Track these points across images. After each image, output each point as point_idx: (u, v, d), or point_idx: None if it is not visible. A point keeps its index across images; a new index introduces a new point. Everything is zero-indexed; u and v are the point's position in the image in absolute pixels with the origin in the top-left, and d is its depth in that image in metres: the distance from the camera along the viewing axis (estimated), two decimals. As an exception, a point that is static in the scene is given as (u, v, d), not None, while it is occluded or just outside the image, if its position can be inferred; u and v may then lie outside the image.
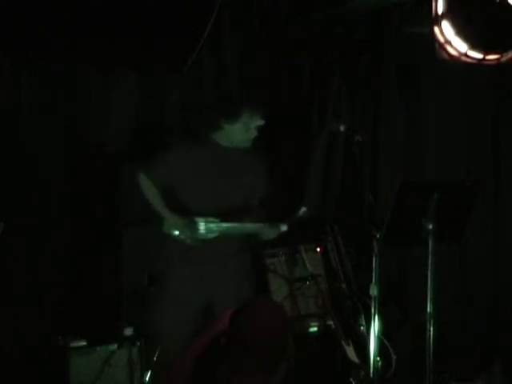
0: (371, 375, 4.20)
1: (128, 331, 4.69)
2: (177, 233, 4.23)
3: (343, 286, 5.16)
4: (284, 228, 4.37)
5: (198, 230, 4.21)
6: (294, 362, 2.70)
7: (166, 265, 4.35)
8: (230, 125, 4.23)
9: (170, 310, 4.21)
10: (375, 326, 4.17)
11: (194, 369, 2.69)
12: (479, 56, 5.00)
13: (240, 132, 4.24)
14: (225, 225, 4.25)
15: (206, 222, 4.22)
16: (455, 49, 4.98)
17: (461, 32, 4.89)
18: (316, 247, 5.25)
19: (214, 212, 4.24)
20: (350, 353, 4.88)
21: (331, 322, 4.98)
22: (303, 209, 4.35)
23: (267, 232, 4.36)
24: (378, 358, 4.27)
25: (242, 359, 2.55)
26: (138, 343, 4.64)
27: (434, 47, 5.02)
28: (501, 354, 5.46)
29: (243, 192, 4.36)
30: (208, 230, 4.23)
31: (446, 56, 5.02)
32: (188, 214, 4.23)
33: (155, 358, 4.45)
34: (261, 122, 4.26)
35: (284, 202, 4.92)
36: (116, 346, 4.59)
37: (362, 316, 4.89)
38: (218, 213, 4.25)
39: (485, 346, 5.75)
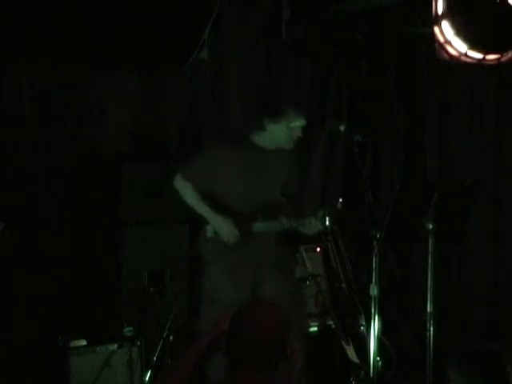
0: (371, 375, 4.20)
1: (128, 331, 4.69)
2: (221, 234, 4.22)
3: (343, 285, 5.16)
4: (328, 222, 4.29)
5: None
6: (297, 362, 2.71)
7: (207, 265, 4.33)
8: (274, 124, 4.21)
9: (210, 308, 4.17)
10: (375, 326, 4.17)
11: (195, 368, 2.69)
12: (479, 56, 5.00)
13: (283, 131, 4.21)
14: (270, 223, 4.26)
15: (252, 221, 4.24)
16: (455, 49, 4.97)
17: (461, 32, 4.89)
18: (316, 247, 5.25)
19: (253, 210, 4.25)
20: (350, 353, 4.88)
21: (331, 322, 4.98)
22: (340, 200, 4.32)
23: (312, 225, 4.27)
24: (378, 358, 4.27)
25: (242, 358, 2.55)
26: (138, 343, 4.64)
27: (434, 47, 5.01)
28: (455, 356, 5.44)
29: (279, 190, 4.37)
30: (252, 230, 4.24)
31: (446, 56, 5.02)
32: (231, 215, 4.22)
33: (155, 358, 4.46)
34: (303, 122, 4.23)
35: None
36: (116, 346, 4.58)
37: (362, 316, 4.89)
38: (257, 211, 4.25)
39: (485, 345, 5.74)
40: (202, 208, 4.26)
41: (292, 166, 4.42)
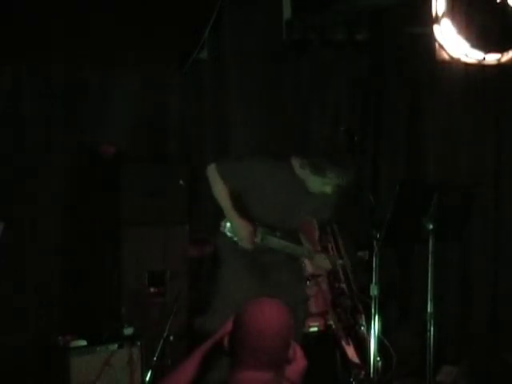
0: (371, 375, 4.21)
1: (128, 331, 4.69)
2: (233, 236, 4.27)
3: (343, 285, 5.16)
4: (340, 263, 4.46)
5: (257, 238, 4.26)
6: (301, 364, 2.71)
7: (219, 265, 4.37)
8: (315, 176, 4.20)
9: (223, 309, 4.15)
10: (375, 326, 4.18)
11: (199, 369, 2.69)
12: (479, 56, 5.00)
13: (318, 184, 4.20)
14: (283, 242, 4.32)
15: (267, 233, 4.28)
16: (455, 49, 4.97)
17: (461, 32, 4.88)
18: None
19: (275, 228, 4.30)
20: (350, 353, 4.88)
21: (331, 322, 4.98)
22: (366, 252, 4.37)
23: (319, 262, 4.47)
24: (378, 358, 4.27)
25: (244, 358, 2.54)
26: (138, 343, 4.64)
27: (434, 47, 5.01)
28: (468, 356, 5.45)
29: (308, 216, 4.45)
30: (266, 243, 4.29)
31: (445, 56, 5.02)
32: (252, 222, 4.25)
33: (155, 358, 4.46)
34: (341, 183, 4.18)
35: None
36: (116, 345, 4.58)
37: (362, 316, 4.89)
38: (278, 227, 4.30)
39: (484, 345, 5.75)
40: (226, 205, 4.27)
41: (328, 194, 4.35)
